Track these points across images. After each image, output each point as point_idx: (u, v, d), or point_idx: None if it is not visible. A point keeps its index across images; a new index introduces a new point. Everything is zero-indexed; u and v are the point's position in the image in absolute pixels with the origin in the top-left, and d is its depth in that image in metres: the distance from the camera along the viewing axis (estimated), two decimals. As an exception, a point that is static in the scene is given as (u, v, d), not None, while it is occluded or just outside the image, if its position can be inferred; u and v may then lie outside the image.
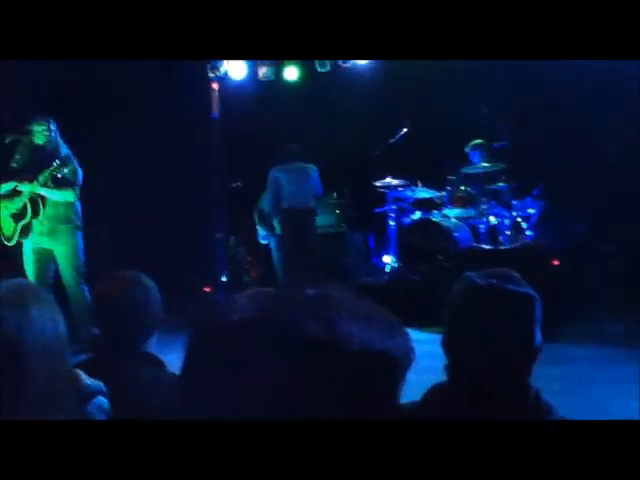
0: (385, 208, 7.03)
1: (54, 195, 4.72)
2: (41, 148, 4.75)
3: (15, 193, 4.77)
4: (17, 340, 1.10)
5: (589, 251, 6.19)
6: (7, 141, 4.83)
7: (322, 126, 7.66)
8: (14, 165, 4.82)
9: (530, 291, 1.25)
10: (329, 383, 0.58)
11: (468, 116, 6.76)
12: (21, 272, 4.71)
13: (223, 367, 0.60)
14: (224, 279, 7.20)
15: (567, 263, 5.85)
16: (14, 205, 4.77)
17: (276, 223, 6.61)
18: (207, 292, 6.76)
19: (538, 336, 1.24)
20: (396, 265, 6.75)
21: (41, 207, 4.73)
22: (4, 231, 4.85)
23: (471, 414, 1.23)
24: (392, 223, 6.94)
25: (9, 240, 4.81)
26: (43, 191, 4.69)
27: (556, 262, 5.87)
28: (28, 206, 4.72)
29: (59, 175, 4.62)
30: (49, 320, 1.16)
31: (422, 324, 5.47)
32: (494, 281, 1.23)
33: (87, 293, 4.73)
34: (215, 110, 7.41)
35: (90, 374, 1.60)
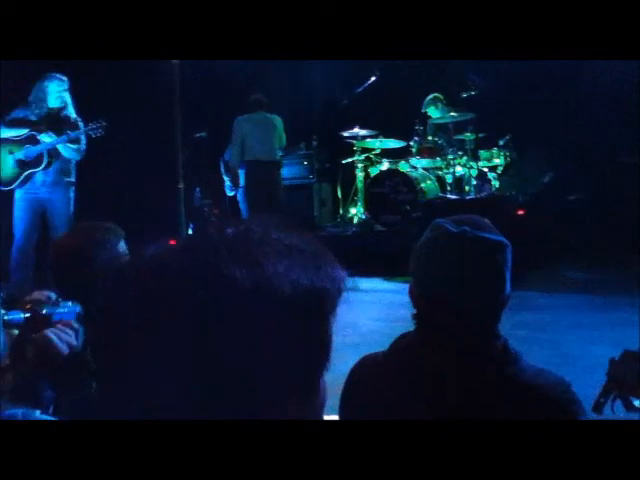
0: (352, 159, 6.98)
1: (69, 152, 4.90)
2: (52, 105, 4.89)
3: (28, 140, 4.82)
4: None
5: (553, 201, 6.28)
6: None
7: (289, 75, 7.48)
8: (29, 116, 4.87)
9: (503, 239, 1.23)
10: (260, 327, 0.57)
11: (438, 64, 6.68)
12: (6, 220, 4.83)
13: (139, 316, 0.57)
14: (190, 232, 7.10)
15: (532, 213, 5.94)
16: (23, 152, 4.82)
17: (241, 174, 6.51)
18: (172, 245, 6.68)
19: (508, 284, 1.23)
20: (363, 216, 6.76)
21: (54, 160, 4.86)
22: (3, 174, 4.85)
23: (436, 363, 1.22)
24: (360, 174, 6.90)
25: (7, 184, 4.84)
26: (61, 146, 4.85)
27: (521, 212, 5.95)
28: (45, 157, 4.82)
29: (74, 135, 4.85)
30: None
31: (390, 274, 5.53)
32: (467, 228, 1.20)
33: None
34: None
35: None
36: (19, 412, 1.09)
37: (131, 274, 0.61)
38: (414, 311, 1.29)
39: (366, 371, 1.36)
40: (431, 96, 6.79)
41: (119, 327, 0.59)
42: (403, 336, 1.32)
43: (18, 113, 4.89)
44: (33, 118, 4.87)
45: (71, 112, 4.99)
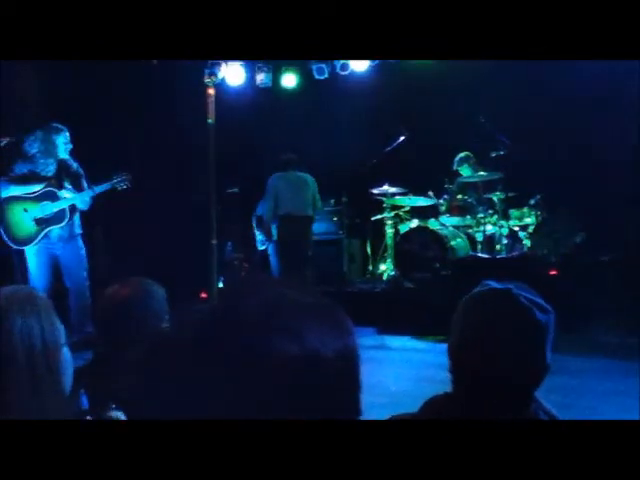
0: (382, 215, 7.03)
1: (84, 205, 4.88)
2: (61, 157, 4.85)
3: (45, 197, 4.76)
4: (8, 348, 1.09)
5: (586, 262, 6.18)
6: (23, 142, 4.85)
7: (320, 133, 7.67)
8: (39, 171, 4.79)
9: (548, 306, 1.23)
10: (308, 391, 0.58)
11: (466, 125, 6.78)
12: (21, 277, 4.76)
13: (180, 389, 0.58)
14: (221, 285, 7.17)
15: (564, 273, 5.84)
16: (40, 209, 4.75)
17: (274, 229, 6.61)
18: (203, 298, 6.74)
19: (549, 352, 1.22)
20: (392, 273, 6.74)
21: (72, 215, 4.84)
22: (20, 233, 4.77)
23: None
24: (389, 231, 6.94)
25: (24, 243, 4.76)
26: (79, 201, 4.82)
27: (553, 272, 5.86)
28: (67, 213, 4.78)
29: (100, 189, 4.84)
30: (40, 331, 1.14)
31: (419, 332, 5.46)
32: (512, 287, 1.21)
33: (89, 297, 4.84)
34: (211, 116, 7.41)
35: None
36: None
37: (170, 348, 0.62)
38: (451, 369, 1.27)
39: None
40: (462, 155, 6.87)
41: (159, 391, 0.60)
42: (433, 399, 1.31)
43: (22, 168, 4.76)
44: (44, 173, 4.77)
45: (74, 163, 4.92)
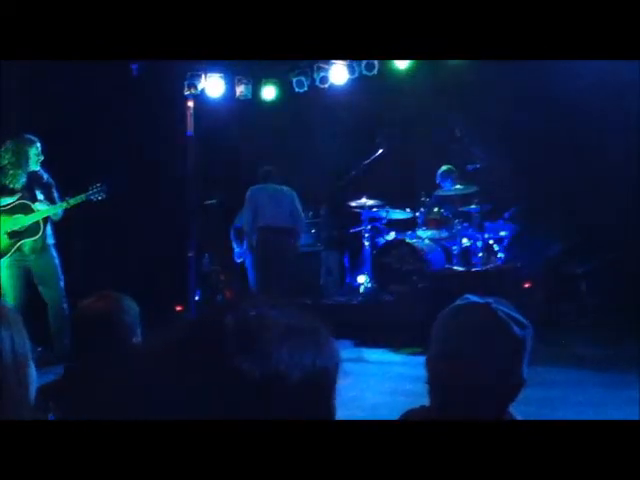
0: (360, 228, 7.06)
1: (56, 216, 4.85)
2: (32, 168, 4.80)
3: (19, 209, 4.70)
4: None
5: (560, 274, 6.27)
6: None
7: (298, 146, 7.69)
8: (8, 183, 4.73)
9: (526, 321, 1.25)
10: (269, 412, 0.58)
11: (442, 139, 6.87)
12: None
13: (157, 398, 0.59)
14: (197, 298, 7.12)
15: (538, 286, 5.92)
16: (13, 222, 4.69)
17: (253, 241, 6.59)
18: (179, 311, 6.67)
19: (526, 367, 1.24)
20: (370, 285, 6.76)
21: (46, 226, 4.80)
22: None
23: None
24: (367, 243, 6.97)
25: (1, 256, 4.70)
26: (52, 213, 4.79)
27: (528, 284, 5.94)
28: (41, 225, 4.74)
29: (75, 201, 4.80)
30: (10, 345, 1.12)
31: (395, 345, 5.47)
32: (491, 301, 1.23)
33: (67, 308, 4.78)
34: (190, 128, 7.39)
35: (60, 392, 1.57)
36: None
37: (144, 362, 0.63)
38: (428, 381, 1.28)
39: None
40: (444, 168, 6.93)
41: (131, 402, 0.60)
42: (410, 412, 1.31)
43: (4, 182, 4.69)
44: (15, 185, 4.71)
45: (44, 174, 4.88)
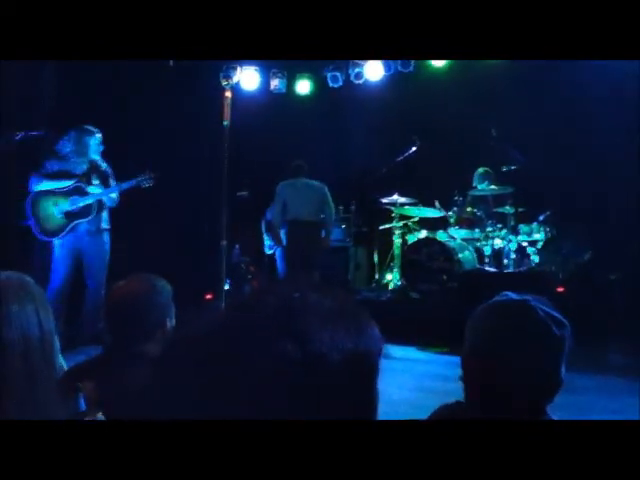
0: (390, 225, 7.03)
1: (110, 201, 5.12)
2: (92, 157, 5.09)
3: (75, 192, 4.98)
4: None
5: (594, 280, 6.15)
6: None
7: (332, 141, 7.68)
8: (71, 169, 5.02)
9: (564, 319, 1.23)
10: (311, 395, 0.58)
11: (478, 138, 6.78)
12: (40, 272, 4.92)
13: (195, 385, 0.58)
14: (227, 287, 7.18)
15: (571, 291, 5.81)
16: (70, 203, 4.97)
17: (282, 234, 6.63)
18: (208, 299, 6.75)
19: (563, 368, 1.22)
20: (399, 282, 6.73)
21: (99, 210, 5.05)
22: (49, 226, 4.99)
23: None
24: (397, 240, 6.93)
25: (52, 235, 4.99)
26: (106, 196, 5.06)
27: (561, 289, 5.83)
28: (94, 207, 5.01)
29: (127, 185, 5.07)
30: (35, 318, 1.11)
31: (422, 343, 5.44)
32: (529, 298, 1.21)
33: (104, 294, 4.93)
34: (227, 118, 7.45)
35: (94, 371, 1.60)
36: None
37: (181, 345, 0.63)
38: (463, 378, 1.27)
39: None
40: (481, 170, 6.85)
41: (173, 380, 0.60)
42: (444, 408, 1.30)
43: (54, 165, 5.02)
44: (75, 171, 5.02)
45: (102, 162, 5.18)
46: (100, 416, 1.39)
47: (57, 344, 1.17)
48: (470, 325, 1.26)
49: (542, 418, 1.21)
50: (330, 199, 6.52)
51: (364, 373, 0.62)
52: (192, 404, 0.59)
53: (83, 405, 1.51)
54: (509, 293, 1.25)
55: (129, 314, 1.88)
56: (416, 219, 7.03)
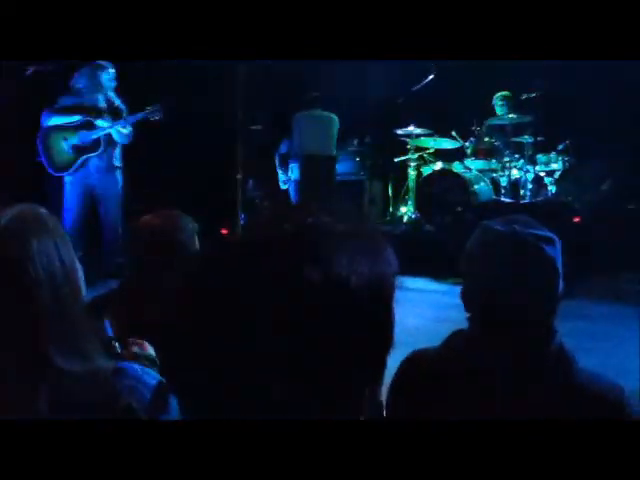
0: (405, 157, 6.94)
1: (121, 137, 5.03)
2: (105, 93, 5.04)
3: (83, 126, 4.94)
4: (20, 271, 1.02)
5: (611, 210, 6.08)
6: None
7: (345, 71, 7.48)
8: (81, 103, 4.97)
9: (552, 234, 1.23)
10: (330, 318, 0.57)
11: (499, 64, 6.56)
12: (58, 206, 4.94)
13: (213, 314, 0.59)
14: (242, 222, 7.21)
15: (588, 221, 5.77)
16: (78, 137, 4.94)
17: (295, 168, 6.58)
18: (224, 234, 6.80)
19: (561, 280, 1.24)
20: (413, 215, 6.71)
21: (108, 146, 4.99)
22: (58, 161, 4.99)
23: (492, 360, 1.23)
24: (412, 172, 6.86)
25: (62, 170, 4.99)
26: (114, 132, 4.97)
27: (577, 219, 5.79)
28: (102, 142, 4.95)
29: (133, 119, 4.99)
30: (55, 250, 1.07)
31: (437, 275, 5.49)
32: (516, 227, 1.21)
33: (121, 231, 5.03)
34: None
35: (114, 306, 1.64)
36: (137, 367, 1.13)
37: (203, 268, 0.63)
38: (468, 314, 1.29)
39: (417, 366, 1.37)
40: (502, 93, 6.67)
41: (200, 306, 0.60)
42: (457, 333, 1.32)
43: (67, 101, 4.98)
44: (86, 105, 4.97)
45: (116, 98, 5.11)
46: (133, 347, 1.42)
47: (82, 275, 1.14)
48: (463, 265, 1.28)
49: (554, 339, 1.23)
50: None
51: (382, 294, 0.62)
52: (212, 334, 0.59)
53: (110, 330, 1.54)
54: (491, 223, 1.24)
55: (150, 249, 1.90)
56: (432, 150, 6.92)
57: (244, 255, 0.62)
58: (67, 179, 5.01)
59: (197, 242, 1.98)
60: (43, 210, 1.13)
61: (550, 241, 1.22)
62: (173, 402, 1.04)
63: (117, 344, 1.40)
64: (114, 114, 5.03)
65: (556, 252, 1.22)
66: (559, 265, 1.23)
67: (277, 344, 0.57)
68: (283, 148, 6.97)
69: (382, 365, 0.64)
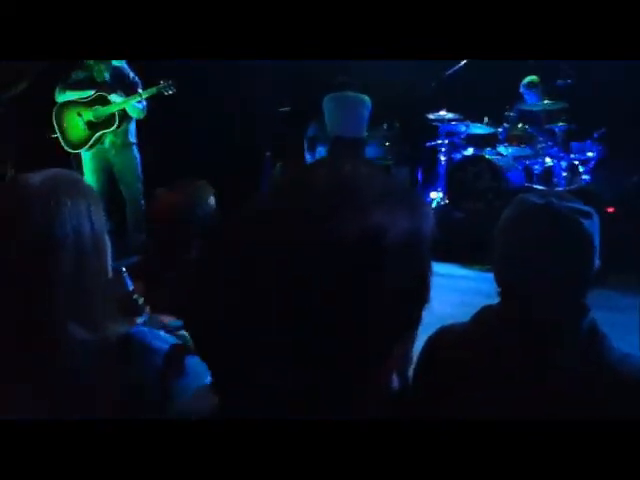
0: (436, 142, 6.86)
1: (136, 112, 4.92)
2: (116, 64, 4.93)
3: (97, 101, 4.86)
4: (48, 235, 1.01)
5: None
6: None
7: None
8: (93, 78, 4.88)
9: (591, 209, 1.21)
10: (367, 271, 0.55)
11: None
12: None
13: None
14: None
15: (622, 211, 5.65)
16: (93, 113, 4.87)
17: (323, 152, 6.56)
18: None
19: (597, 255, 1.21)
20: (442, 202, 6.65)
21: (123, 121, 4.90)
22: (74, 137, 4.94)
23: (523, 336, 1.21)
24: (442, 158, 6.78)
25: (77, 147, 4.94)
26: (129, 106, 4.86)
27: (611, 209, 5.67)
28: (117, 118, 4.86)
29: (147, 93, 4.87)
30: (87, 214, 1.07)
31: (466, 261, 5.44)
32: (553, 199, 1.19)
33: (143, 204, 4.98)
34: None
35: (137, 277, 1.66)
36: (146, 329, 1.14)
37: (227, 230, 0.61)
38: (498, 289, 1.27)
39: (445, 340, 1.36)
40: (529, 78, 6.54)
41: (216, 277, 0.59)
42: (487, 308, 1.31)
43: (78, 75, 4.88)
44: (99, 80, 4.86)
45: (130, 72, 4.99)
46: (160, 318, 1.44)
47: (109, 246, 1.13)
48: (497, 238, 1.26)
49: (583, 312, 1.21)
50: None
51: (420, 247, 0.60)
52: (237, 299, 0.56)
53: (130, 284, 1.54)
54: (528, 196, 1.22)
55: (171, 222, 1.92)
56: (463, 136, 6.83)
57: (279, 196, 0.59)
58: (85, 155, 4.96)
59: (213, 205, 1.98)
60: (79, 175, 1.15)
61: (588, 215, 1.19)
62: (190, 364, 1.04)
63: (138, 297, 1.38)
64: (128, 88, 4.92)
65: (594, 227, 1.19)
66: (596, 241, 1.20)
67: (316, 293, 0.54)
68: (311, 131, 6.95)
69: (416, 320, 0.62)
